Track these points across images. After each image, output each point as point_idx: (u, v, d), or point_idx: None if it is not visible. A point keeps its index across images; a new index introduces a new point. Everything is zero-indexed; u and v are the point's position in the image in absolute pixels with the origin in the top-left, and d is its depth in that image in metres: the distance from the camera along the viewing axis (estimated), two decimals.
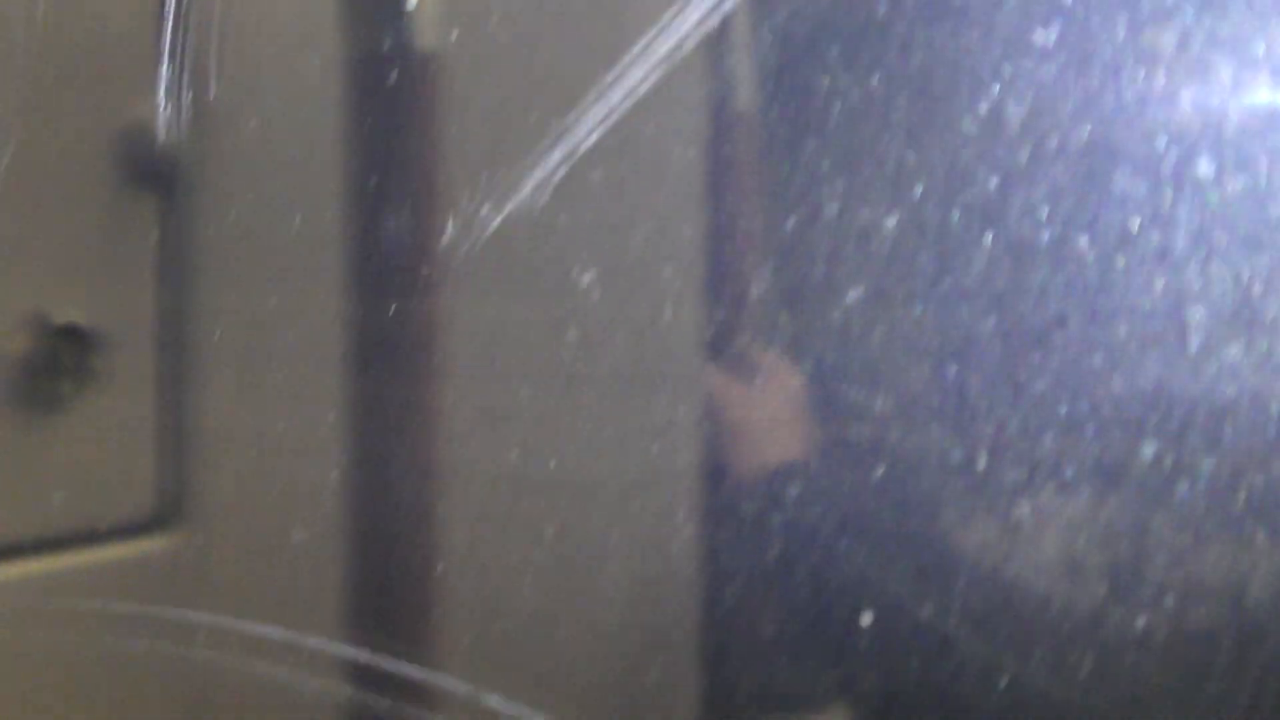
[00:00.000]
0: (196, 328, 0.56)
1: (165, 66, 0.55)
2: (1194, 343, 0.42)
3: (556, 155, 0.49)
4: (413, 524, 0.55)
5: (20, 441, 0.53)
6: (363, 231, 0.56)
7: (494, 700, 0.51)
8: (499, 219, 0.51)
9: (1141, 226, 0.43)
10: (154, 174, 0.55)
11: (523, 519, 0.55)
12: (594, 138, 0.49)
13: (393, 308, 0.55)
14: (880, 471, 0.47)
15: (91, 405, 0.54)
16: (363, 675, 0.54)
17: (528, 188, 0.51)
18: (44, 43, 0.53)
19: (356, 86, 0.56)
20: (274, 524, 0.56)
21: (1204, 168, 0.42)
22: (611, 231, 0.50)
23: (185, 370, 0.56)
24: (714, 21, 0.47)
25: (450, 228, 0.52)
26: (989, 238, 0.45)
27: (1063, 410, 0.45)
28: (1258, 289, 0.42)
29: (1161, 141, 0.43)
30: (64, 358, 0.54)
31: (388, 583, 0.55)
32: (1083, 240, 0.44)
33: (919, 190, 0.46)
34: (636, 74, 0.48)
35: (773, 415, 0.50)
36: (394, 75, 0.56)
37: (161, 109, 0.55)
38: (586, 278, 0.50)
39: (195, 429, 0.56)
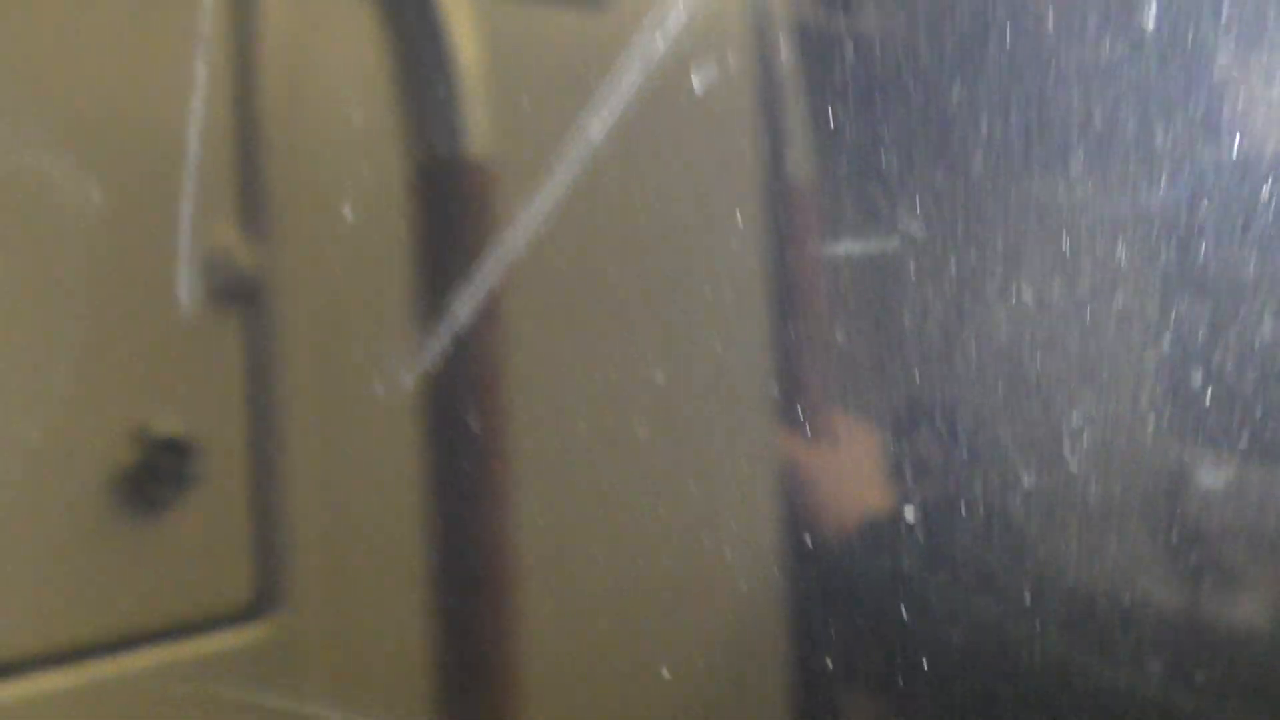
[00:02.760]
0: (283, 431, 0.60)
1: (239, 190, 0.60)
2: None
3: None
4: (499, 607, 0.60)
5: (126, 543, 0.58)
6: (432, 333, 0.61)
7: None
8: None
9: None
10: (238, 291, 0.60)
11: (606, 598, 0.59)
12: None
13: (469, 403, 0.60)
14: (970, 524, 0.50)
15: (190, 507, 0.59)
16: None
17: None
18: (133, 162, 0.58)
19: (420, 200, 0.61)
20: (364, 611, 0.60)
21: None
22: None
23: (274, 470, 0.60)
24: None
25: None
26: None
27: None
28: None
29: None
30: (164, 466, 0.58)
31: (477, 667, 0.59)
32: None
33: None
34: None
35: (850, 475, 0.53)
36: (450, 187, 0.61)
37: (239, 231, 0.60)
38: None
39: (286, 524, 0.60)
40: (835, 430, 0.53)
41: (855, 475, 0.53)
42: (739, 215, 0.58)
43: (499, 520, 0.60)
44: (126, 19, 0.59)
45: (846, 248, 0.53)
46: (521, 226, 0.59)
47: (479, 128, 0.63)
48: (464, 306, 0.61)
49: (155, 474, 0.58)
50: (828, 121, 0.54)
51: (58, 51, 0.58)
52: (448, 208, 0.62)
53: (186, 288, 0.57)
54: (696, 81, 0.55)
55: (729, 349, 0.56)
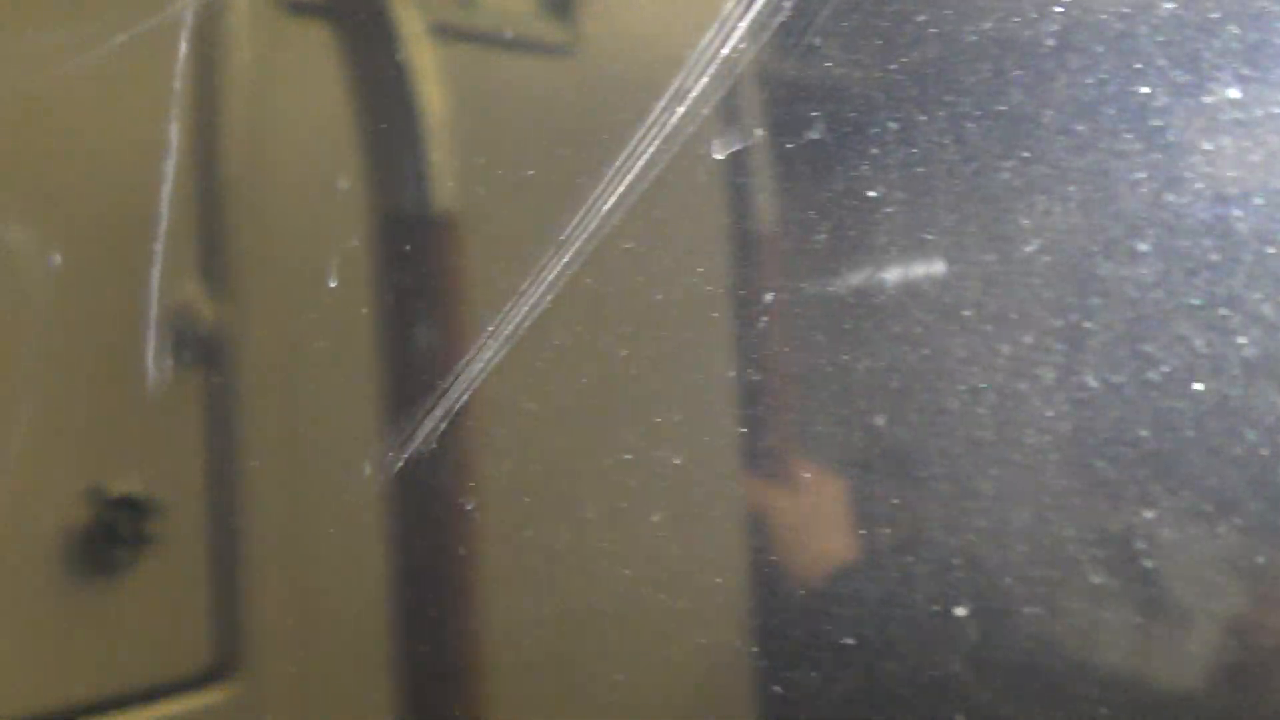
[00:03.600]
0: (243, 492, 0.59)
1: (202, 247, 0.59)
2: None
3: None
4: (466, 671, 0.57)
5: (82, 606, 0.57)
6: (399, 392, 0.59)
7: None
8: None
9: None
10: (200, 349, 0.60)
11: (576, 658, 0.56)
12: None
13: (430, 469, 0.58)
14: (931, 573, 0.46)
15: (148, 569, 0.58)
16: None
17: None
18: (93, 225, 0.58)
19: (387, 256, 0.60)
20: (326, 676, 0.58)
21: None
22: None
23: (235, 531, 0.59)
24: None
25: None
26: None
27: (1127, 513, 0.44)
28: None
29: None
30: (121, 526, 0.58)
31: None
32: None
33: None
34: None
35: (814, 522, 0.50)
36: (412, 246, 0.59)
37: (202, 289, 0.59)
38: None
39: (246, 586, 0.59)
40: (801, 477, 0.50)
41: (822, 521, 0.49)
42: (704, 266, 0.55)
43: (464, 583, 0.57)
44: (90, 84, 0.59)
45: (812, 292, 0.50)
46: (504, 322, 0.57)
47: (445, 182, 0.61)
48: (449, 393, 0.59)
49: (111, 534, 0.58)
50: (795, 170, 0.51)
51: (21, 117, 0.58)
52: (415, 263, 0.61)
53: (154, 352, 0.57)
54: (717, 148, 0.53)
55: (695, 391, 0.53)
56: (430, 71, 0.60)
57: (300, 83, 0.61)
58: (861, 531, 0.46)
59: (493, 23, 0.61)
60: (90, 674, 0.57)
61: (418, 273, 0.60)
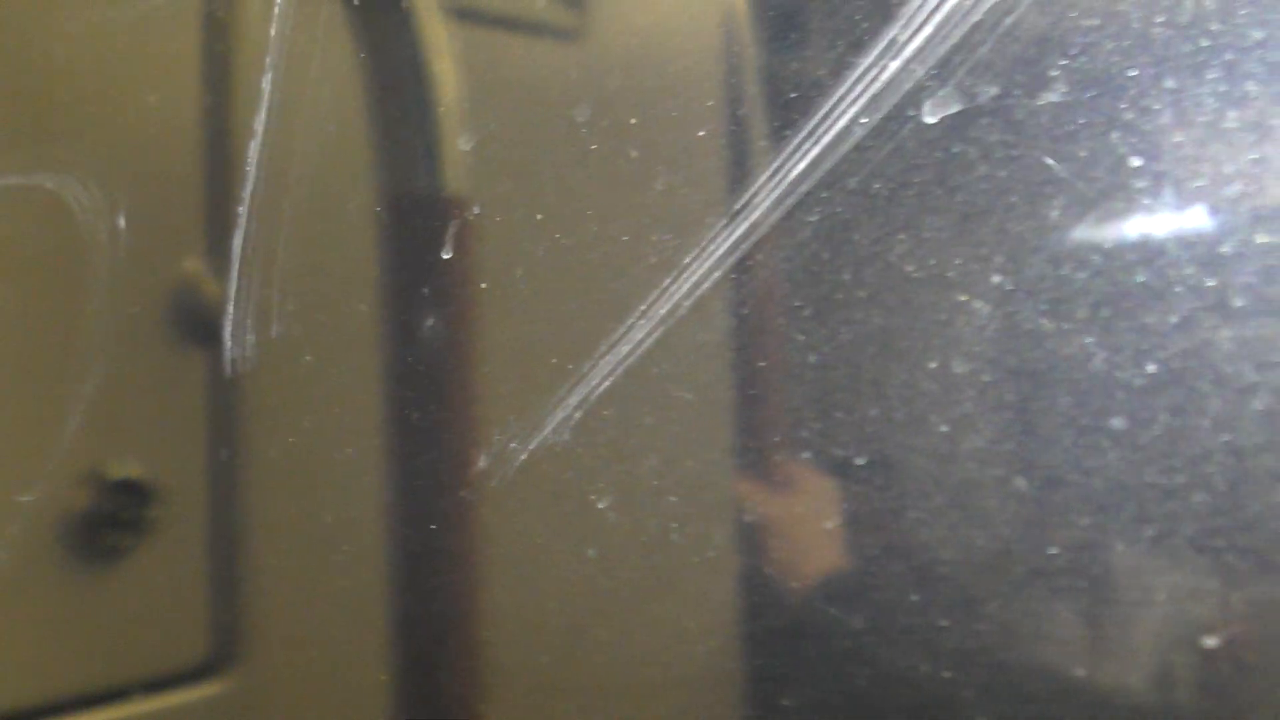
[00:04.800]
0: (247, 478, 0.57)
1: (207, 222, 0.58)
2: None
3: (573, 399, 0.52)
4: (463, 663, 0.54)
5: (82, 593, 0.55)
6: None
7: None
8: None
9: None
10: (202, 330, 0.58)
11: (577, 651, 0.53)
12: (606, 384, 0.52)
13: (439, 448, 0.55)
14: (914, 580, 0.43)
15: (148, 555, 0.56)
16: None
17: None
18: (100, 204, 0.57)
19: (395, 235, 0.57)
20: (325, 667, 0.56)
21: None
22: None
23: (237, 519, 0.57)
24: (705, 289, 0.48)
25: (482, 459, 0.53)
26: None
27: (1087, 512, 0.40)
28: None
29: None
30: (121, 511, 0.56)
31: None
32: None
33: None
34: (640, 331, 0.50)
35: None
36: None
37: (206, 270, 0.57)
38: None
39: (246, 574, 0.57)
40: (793, 480, 0.46)
41: (812, 526, 0.46)
42: (698, 256, 0.52)
43: (464, 573, 0.55)
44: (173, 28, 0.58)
45: (803, 294, 0.46)
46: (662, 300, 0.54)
47: (455, 161, 0.59)
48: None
49: (111, 519, 0.56)
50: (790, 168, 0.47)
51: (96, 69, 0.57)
52: (423, 242, 0.58)
53: (233, 328, 0.55)
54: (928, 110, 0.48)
55: (684, 390, 0.50)
56: (444, 49, 0.58)
57: (314, 63, 0.60)
58: (853, 532, 0.43)
59: (506, 5, 0.59)
60: (89, 663, 0.55)
61: (425, 249, 0.57)
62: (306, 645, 0.56)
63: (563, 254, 0.53)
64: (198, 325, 0.58)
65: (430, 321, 0.56)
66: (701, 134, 0.51)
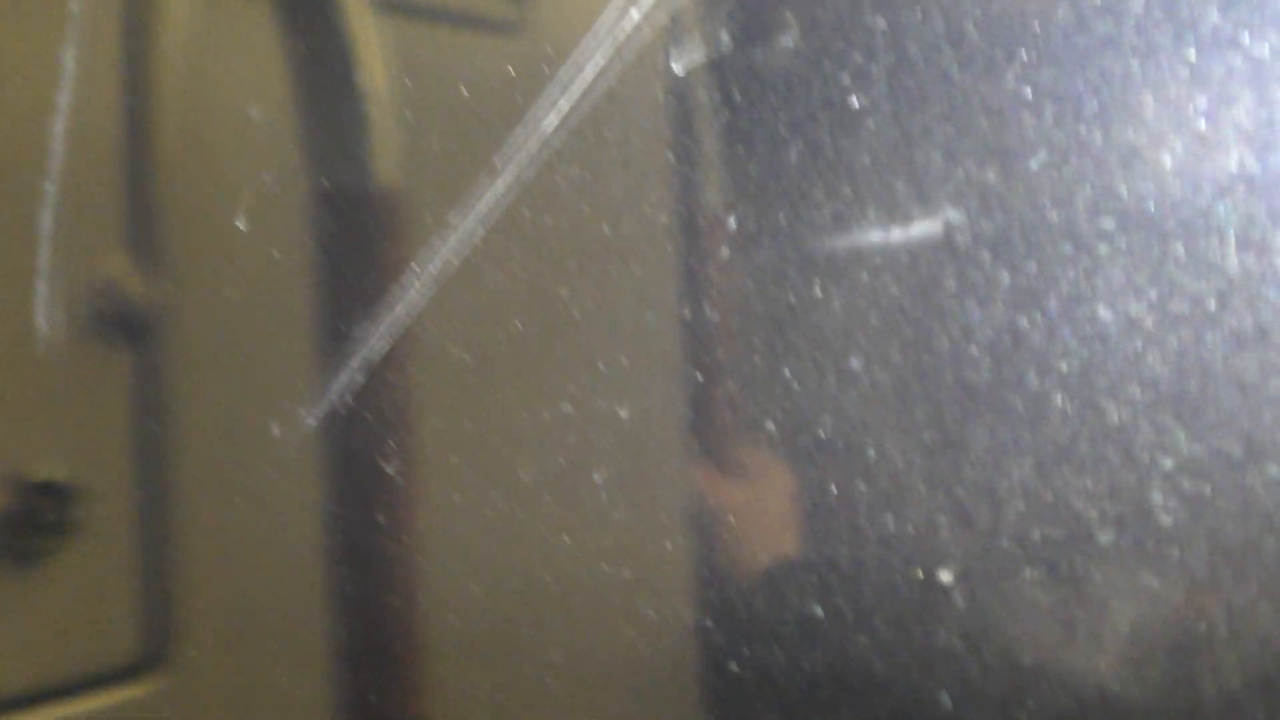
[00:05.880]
0: (174, 476, 0.57)
1: (130, 218, 0.57)
2: None
3: None
4: (402, 662, 0.55)
5: (2, 596, 0.54)
6: (336, 370, 0.57)
7: None
8: None
9: None
10: (126, 327, 0.57)
11: (515, 636, 0.54)
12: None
13: (368, 446, 0.56)
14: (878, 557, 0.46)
15: (72, 557, 0.55)
16: None
17: None
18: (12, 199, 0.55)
19: (324, 230, 0.58)
20: (260, 667, 0.56)
21: None
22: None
23: (164, 517, 0.56)
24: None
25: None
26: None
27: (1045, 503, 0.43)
28: None
29: None
30: (43, 513, 0.55)
31: None
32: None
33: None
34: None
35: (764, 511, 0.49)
36: (356, 216, 0.57)
37: (129, 262, 0.57)
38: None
39: (176, 574, 0.56)
40: (749, 467, 0.48)
41: (769, 513, 0.48)
42: (652, 247, 0.54)
43: (404, 570, 0.56)
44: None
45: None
46: (432, 260, 0.56)
47: (387, 155, 0.60)
48: (371, 342, 0.57)
49: (32, 521, 0.54)
50: (743, 150, 0.50)
51: None
52: (353, 238, 0.59)
53: (44, 305, 0.54)
54: (677, 65, 0.50)
55: (641, 378, 0.52)
56: (373, 40, 0.59)
57: (238, 53, 0.59)
58: (832, 488, 0.45)
59: None
60: (10, 667, 0.54)
61: (356, 247, 0.58)
62: (239, 643, 0.56)
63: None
64: (120, 322, 0.57)
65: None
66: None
